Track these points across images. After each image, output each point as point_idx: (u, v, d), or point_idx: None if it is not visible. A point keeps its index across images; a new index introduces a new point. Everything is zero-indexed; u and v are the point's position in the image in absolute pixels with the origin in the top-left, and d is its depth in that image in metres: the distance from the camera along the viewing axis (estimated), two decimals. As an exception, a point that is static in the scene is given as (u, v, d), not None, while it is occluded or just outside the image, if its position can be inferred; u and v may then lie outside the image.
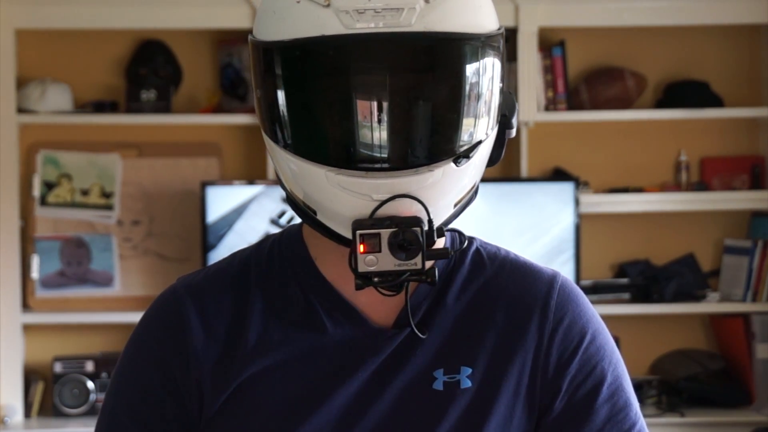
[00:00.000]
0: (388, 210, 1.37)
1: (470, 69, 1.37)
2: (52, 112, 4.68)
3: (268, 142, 1.43)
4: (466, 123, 1.38)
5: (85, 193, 4.79)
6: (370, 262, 1.37)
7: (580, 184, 4.73)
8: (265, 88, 1.40)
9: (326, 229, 1.43)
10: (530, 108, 4.72)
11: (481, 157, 1.43)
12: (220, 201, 4.64)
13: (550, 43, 4.83)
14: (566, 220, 4.67)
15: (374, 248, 1.36)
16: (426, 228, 1.37)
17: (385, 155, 1.36)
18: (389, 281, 1.38)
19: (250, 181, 4.69)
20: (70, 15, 4.64)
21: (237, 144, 4.85)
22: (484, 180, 1.47)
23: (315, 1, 1.35)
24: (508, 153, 4.78)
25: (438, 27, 1.35)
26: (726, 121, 4.94)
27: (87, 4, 4.63)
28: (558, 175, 4.86)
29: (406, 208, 1.37)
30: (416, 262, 1.36)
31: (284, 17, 1.38)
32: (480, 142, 1.40)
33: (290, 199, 1.47)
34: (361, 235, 1.36)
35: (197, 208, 4.73)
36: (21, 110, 4.67)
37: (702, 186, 4.89)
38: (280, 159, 1.42)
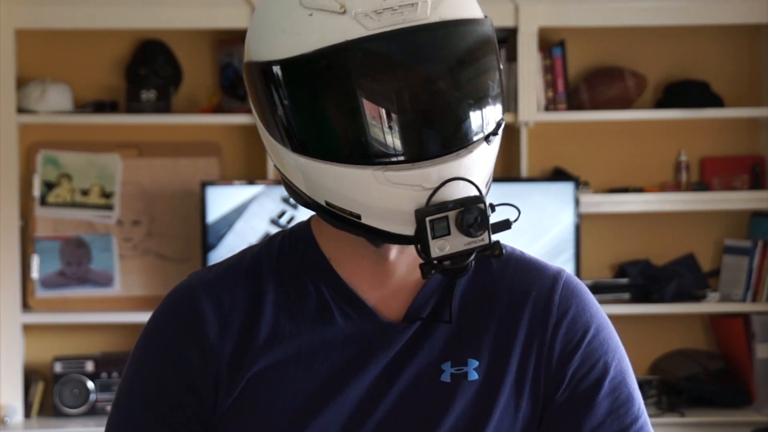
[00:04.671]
0: (440, 196, 1.38)
1: (487, 50, 1.41)
2: (52, 112, 4.68)
3: (296, 159, 1.41)
4: (491, 101, 1.42)
5: (85, 193, 4.79)
6: (441, 246, 1.38)
7: (580, 184, 4.73)
8: (291, 106, 1.39)
9: (373, 232, 1.42)
10: (530, 108, 4.71)
11: (500, 137, 1.46)
12: (220, 201, 4.64)
13: (550, 43, 4.83)
14: (566, 220, 4.67)
15: (442, 232, 1.38)
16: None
17: (428, 143, 1.38)
18: (460, 261, 1.39)
19: (250, 181, 4.69)
20: (70, 15, 4.64)
21: (237, 144, 4.85)
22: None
23: (329, 10, 1.36)
24: (508, 153, 4.78)
25: (450, 16, 1.38)
26: (726, 121, 4.94)
27: (87, 4, 4.63)
28: (558, 175, 4.86)
29: (459, 191, 1.38)
30: (484, 238, 1.38)
31: (299, 32, 1.38)
32: (502, 120, 1.44)
33: (323, 210, 1.44)
34: (430, 221, 1.37)
35: (197, 208, 4.73)
36: (21, 110, 4.67)
37: (702, 186, 4.89)
38: (312, 171, 1.41)
